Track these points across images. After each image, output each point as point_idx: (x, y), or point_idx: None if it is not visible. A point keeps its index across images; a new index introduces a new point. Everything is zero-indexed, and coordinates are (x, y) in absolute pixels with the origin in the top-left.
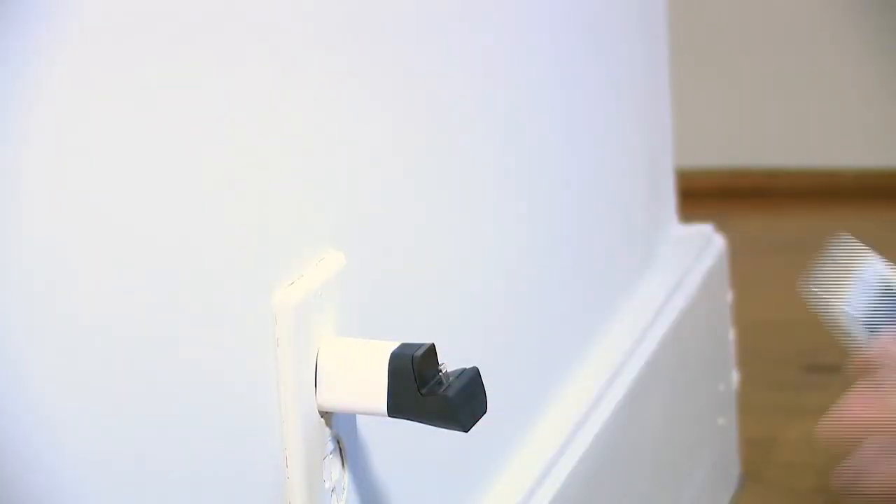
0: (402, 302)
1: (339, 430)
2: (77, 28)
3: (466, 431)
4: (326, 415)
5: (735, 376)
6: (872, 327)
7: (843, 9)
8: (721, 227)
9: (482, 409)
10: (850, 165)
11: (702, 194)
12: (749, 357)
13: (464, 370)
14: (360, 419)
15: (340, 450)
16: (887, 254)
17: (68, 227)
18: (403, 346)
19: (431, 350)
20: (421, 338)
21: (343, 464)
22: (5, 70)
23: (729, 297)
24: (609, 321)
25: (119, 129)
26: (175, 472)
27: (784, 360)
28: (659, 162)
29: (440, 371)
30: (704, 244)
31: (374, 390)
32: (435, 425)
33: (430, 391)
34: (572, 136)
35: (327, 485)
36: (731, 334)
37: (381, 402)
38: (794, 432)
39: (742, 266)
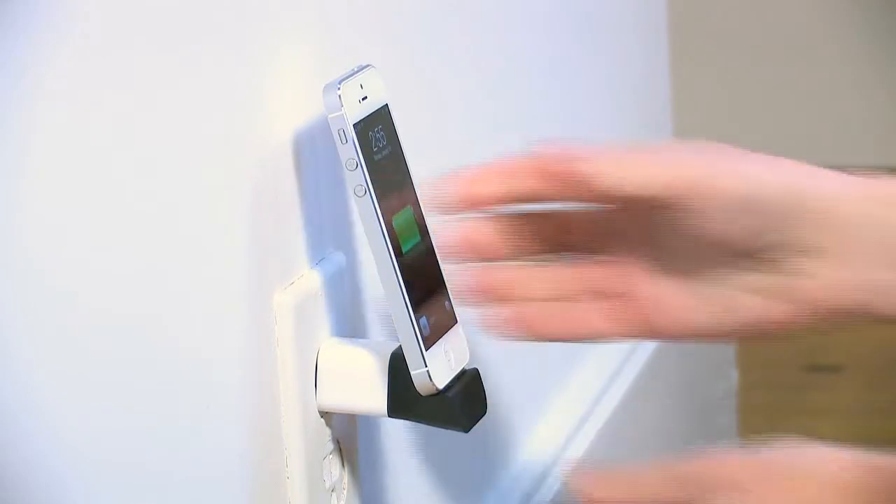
0: None
1: (339, 430)
2: (77, 28)
3: (466, 432)
4: (326, 415)
5: (735, 376)
6: None
7: (844, 9)
8: None
9: (482, 410)
10: (850, 165)
11: None
12: (749, 357)
13: (464, 371)
14: (360, 419)
15: (340, 450)
16: None
17: (69, 227)
18: None
19: None
20: None
21: (343, 464)
22: (5, 70)
23: None
24: None
25: (121, 130)
26: (175, 472)
27: (784, 360)
28: None
29: None
30: None
31: (374, 390)
32: (435, 426)
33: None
34: (572, 136)
35: (327, 485)
36: None
37: (381, 403)
38: (794, 432)
39: None
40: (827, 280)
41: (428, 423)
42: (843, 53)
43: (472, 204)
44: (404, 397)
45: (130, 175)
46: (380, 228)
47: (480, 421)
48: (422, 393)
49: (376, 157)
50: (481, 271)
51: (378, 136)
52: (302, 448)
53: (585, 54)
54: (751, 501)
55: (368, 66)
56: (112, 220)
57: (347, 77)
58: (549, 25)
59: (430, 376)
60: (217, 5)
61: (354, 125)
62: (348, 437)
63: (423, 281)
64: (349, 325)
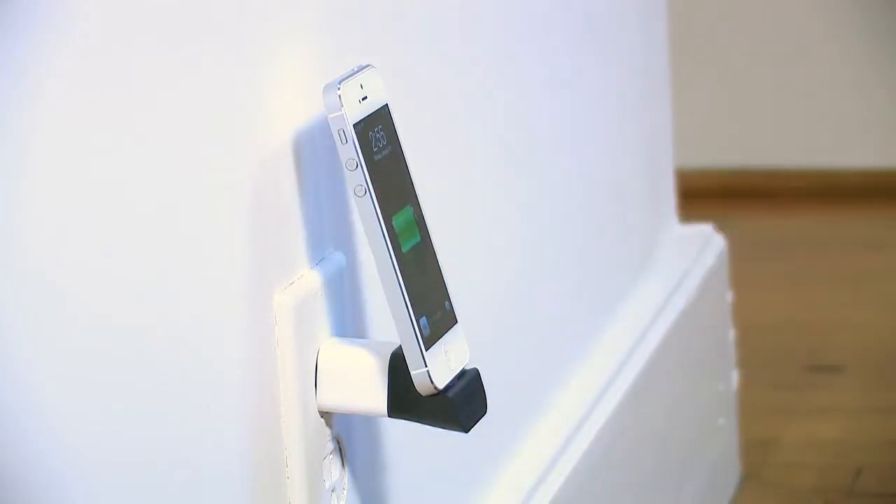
0: None
1: (339, 430)
2: (77, 28)
3: (466, 432)
4: (326, 415)
5: (735, 376)
6: None
7: (843, 9)
8: (721, 227)
9: (482, 410)
10: (850, 165)
11: (702, 194)
12: (749, 357)
13: (464, 371)
14: (360, 419)
15: (340, 450)
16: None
17: (69, 227)
18: None
19: None
20: None
21: (343, 464)
22: (5, 70)
23: (729, 297)
24: (609, 321)
25: (121, 130)
26: (175, 472)
27: (784, 360)
28: (659, 162)
29: None
30: (704, 244)
31: (374, 390)
32: (435, 426)
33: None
34: (572, 136)
35: (327, 485)
36: (731, 334)
37: (381, 402)
38: (794, 432)
39: (742, 266)
40: None
41: (428, 423)
42: (843, 53)
43: None
44: (404, 397)
45: (130, 175)
46: (380, 228)
47: (480, 421)
48: (422, 393)
49: (376, 157)
50: None
51: (378, 136)
52: (302, 448)
53: (585, 54)
54: None
55: (368, 66)
56: (112, 220)
57: (347, 77)
58: (549, 25)
59: (430, 376)
60: (217, 5)
61: (354, 125)
62: (348, 437)
63: (423, 281)
64: (349, 325)
